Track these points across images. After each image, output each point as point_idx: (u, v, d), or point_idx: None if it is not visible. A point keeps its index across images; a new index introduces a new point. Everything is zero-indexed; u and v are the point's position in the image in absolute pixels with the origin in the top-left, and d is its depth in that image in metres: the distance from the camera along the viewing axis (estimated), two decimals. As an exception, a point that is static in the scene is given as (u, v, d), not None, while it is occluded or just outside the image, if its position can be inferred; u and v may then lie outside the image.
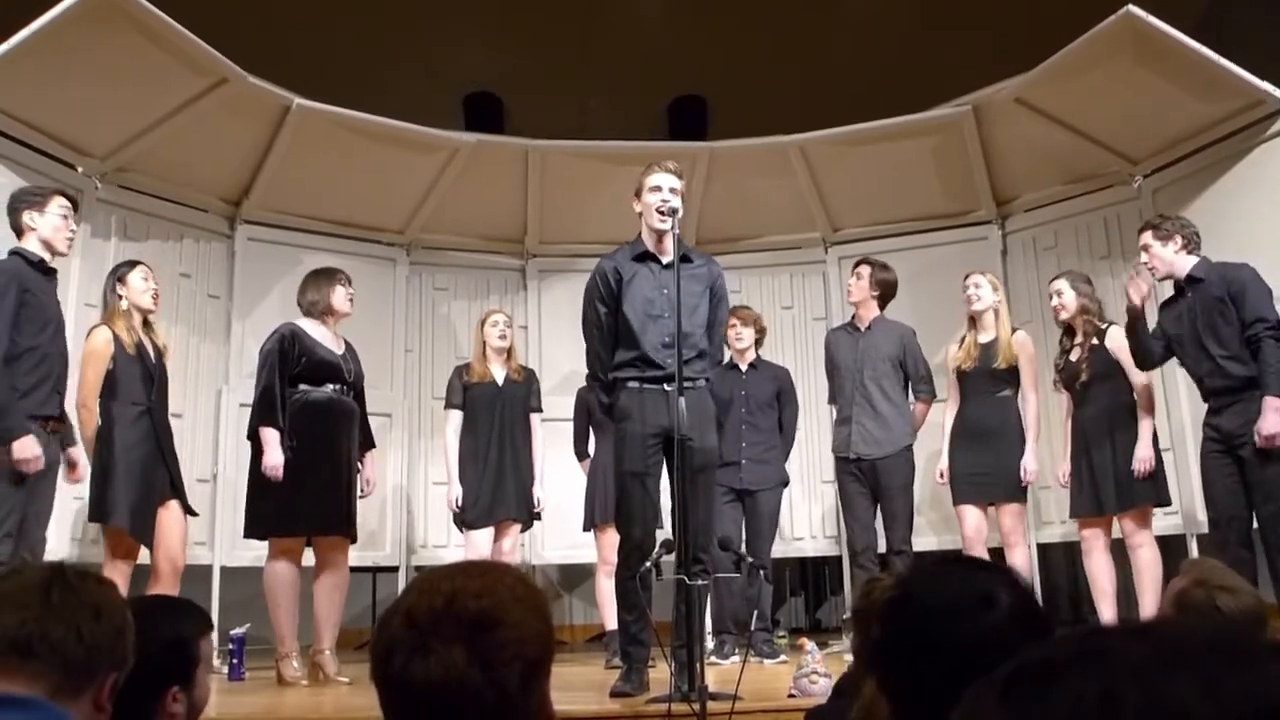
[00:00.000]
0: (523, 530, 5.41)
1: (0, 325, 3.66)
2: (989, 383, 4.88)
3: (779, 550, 5.87)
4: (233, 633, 4.65)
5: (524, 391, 5.34)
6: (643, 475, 3.72)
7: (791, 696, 3.42)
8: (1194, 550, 4.95)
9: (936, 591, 1.23)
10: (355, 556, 5.07)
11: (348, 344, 4.80)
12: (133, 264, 4.46)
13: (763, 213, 6.56)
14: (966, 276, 5.06)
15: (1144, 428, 4.50)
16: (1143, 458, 4.45)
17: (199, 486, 5.26)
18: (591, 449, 5.42)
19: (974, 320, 5.00)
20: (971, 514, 4.85)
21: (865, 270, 5.19)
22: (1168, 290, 4.51)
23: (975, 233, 6.29)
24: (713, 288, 3.92)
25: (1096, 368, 4.60)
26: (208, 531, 5.44)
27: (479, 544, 5.07)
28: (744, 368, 5.36)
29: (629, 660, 3.67)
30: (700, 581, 3.50)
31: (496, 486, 5.14)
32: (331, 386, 4.61)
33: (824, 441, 5.85)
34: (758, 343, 5.44)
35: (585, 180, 6.34)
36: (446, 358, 6.22)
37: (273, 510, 4.45)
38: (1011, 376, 4.88)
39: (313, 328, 4.67)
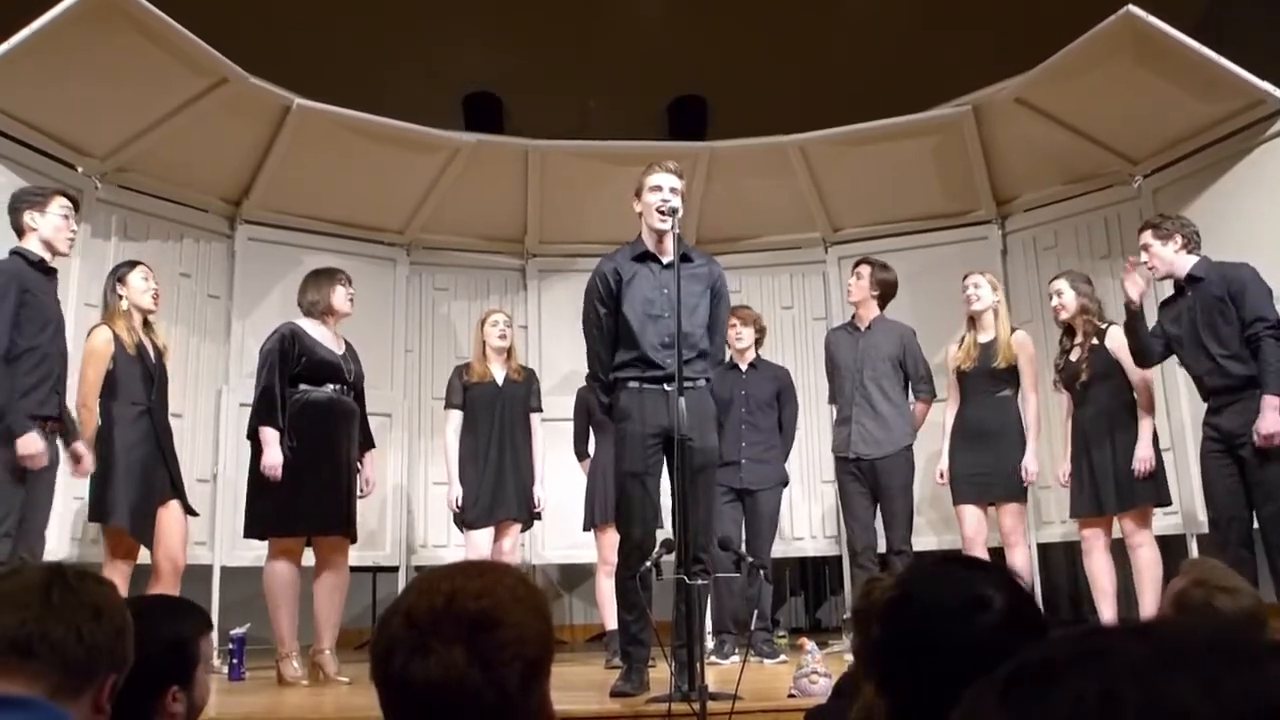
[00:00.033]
0: (523, 530, 5.42)
1: (0, 325, 3.66)
2: (989, 383, 4.88)
3: (779, 550, 5.88)
4: (233, 633, 4.65)
5: (524, 391, 5.34)
6: (643, 475, 3.72)
7: (791, 696, 3.42)
8: (1194, 550, 4.95)
9: (931, 592, 1.23)
10: (355, 556, 5.07)
11: (348, 344, 4.80)
12: (133, 264, 4.47)
13: (763, 213, 6.56)
14: (966, 276, 5.06)
15: (1144, 427, 4.50)
16: (1143, 457, 4.44)
17: (199, 486, 5.26)
18: (591, 449, 5.41)
19: (973, 320, 5.00)
20: (971, 514, 4.85)
21: (865, 270, 5.19)
22: (1168, 289, 4.52)
23: (975, 232, 6.29)
24: (713, 287, 3.92)
25: (1096, 368, 4.60)
26: (208, 531, 5.44)
27: (479, 544, 5.07)
28: (744, 367, 5.36)
29: (629, 660, 3.67)
30: (700, 581, 3.50)
31: (496, 486, 5.13)
32: (332, 386, 4.60)
33: (824, 441, 5.85)
34: (758, 342, 5.44)
35: (585, 180, 6.34)
36: (446, 358, 6.22)
37: (272, 510, 4.45)
38: (1011, 376, 4.88)
39: (313, 328, 4.67)
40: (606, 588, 4.91)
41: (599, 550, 5.27)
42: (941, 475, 4.98)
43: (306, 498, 4.45)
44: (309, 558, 4.61)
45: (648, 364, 3.76)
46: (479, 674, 1.10)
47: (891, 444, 4.94)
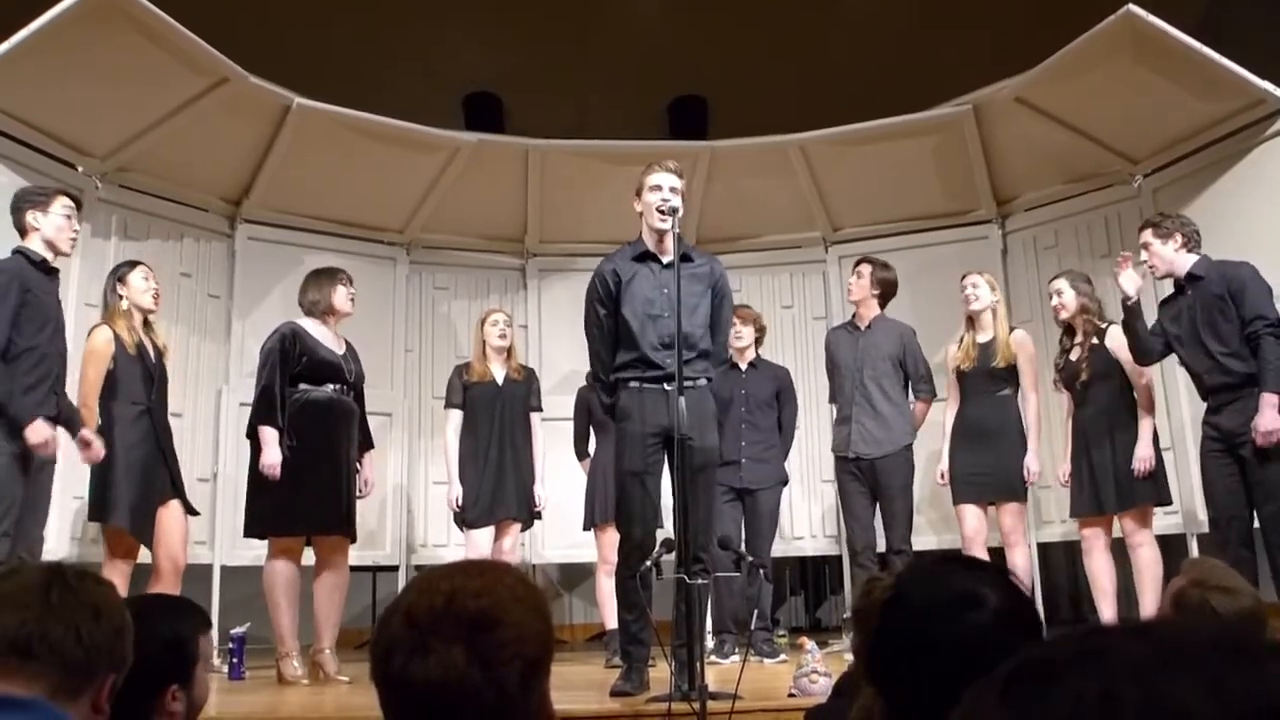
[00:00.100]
0: (523, 530, 5.42)
1: (0, 324, 3.66)
2: (988, 382, 4.87)
3: (779, 549, 5.88)
4: (233, 632, 4.65)
5: (524, 391, 5.34)
6: (643, 475, 3.72)
7: (791, 696, 3.42)
8: (1194, 550, 4.95)
9: (924, 591, 1.23)
10: (355, 556, 5.07)
11: (348, 344, 4.80)
12: (133, 264, 4.47)
13: (763, 212, 6.56)
14: (964, 276, 5.06)
15: (1144, 427, 4.50)
16: (1143, 457, 4.44)
17: (199, 486, 5.26)
18: (592, 448, 5.42)
19: (972, 320, 5.00)
20: (971, 514, 4.85)
21: (866, 269, 5.19)
22: (1167, 288, 4.52)
23: (975, 232, 6.29)
24: (714, 286, 3.92)
25: (1096, 367, 4.60)
26: (208, 531, 5.44)
27: (479, 543, 5.07)
28: (744, 367, 5.36)
29: (629, 659, 3.67)
30: (700, 581, 3.50)
31: (497, 486, 5.13)
32: (332, 386, 4.61)
33: (824, 441, 5.85)
34: (758, 342, 5.44)
35: (585, 180, 6.34)
36: (446, 357, 6.22)
37: (272, 509, 4.45)
38: (1011, 376, 4.88)
39: (314, 327, 4.68)
40: (606, 587, 4.91)
41: (599, 550, 5.27)
42: (942, 476, 4.97)
43: (306, 497, 4.45)
44: (309, 557, 4.61)
45: (648, 364, 3.76)
46: (479, 673, 1.10)
47: (891, 443, 4.94)
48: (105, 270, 4.58)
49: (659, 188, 3.80)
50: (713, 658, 4.92)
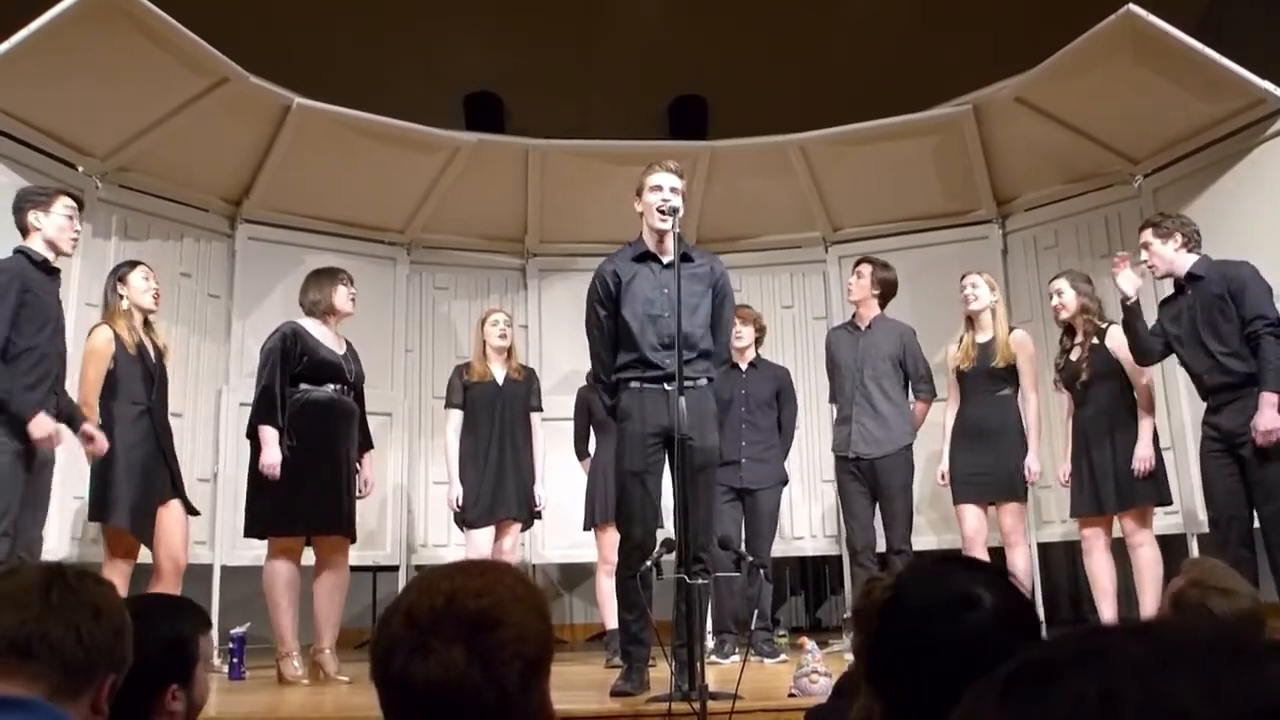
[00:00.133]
0: (523, 530, 5.42)
1: (0, 323, 3.66)
2: (988, 382, 4.87)
3: (779, 549, 5.88)
4: (233, 632, 4.65)
5: (524, 391, 5.34)
6: (643, 475, 3.72)
7: (792, 696, 3.42)
8: (1194, 550, 4.95)
9: (923, 592, 1.23)
10: (355, 556, 5.07)
11: (349, 344, 4.80)
12: (133, 264, 4.47)
13: (763, 212, 6.56)
14: (963, 277, 5.06)
15: (1144, 427, 4.50)
16: (1143, 457, 4.44)
17: (199, 486, 5.26)
18: (592, 448, 5.42)
19: (971, 320, 5.00)
20: (971, 514, 4.85)
21: (866, 269, 5.19)
22: (1167, 288, 4.52)
23: (975, 232, 6.29)
24: (715, 286, 3.92)
25: (1096, 367, 4.60)
26: (208, 531, 5.44)
27: (479, 543, 5.07)
28: (744, 367, 5.36)
29: (629, 659, 3.67)
30: (700, 581, 3.50)
31: (497, 486, 5.13)
32: (332, 386, 4.61)
33: (824, 440, 5.85)
34: (758, 342, 5.44)
35: (585, 180, 6.34)
36: (447, 357, 6.22)
37: (272, 509, 4.45)
38: (1010, 376, 4.88)
39: (314, 327, 4.68)
40: (607, 587, 4.91)
41: (599, 550, 5.27)
42: (943, 477, 4.97)
43: (306, 497, 4.45)
44: (309, 557, 4.61)
45: (648, 364, 3.76)
46: (479, 673, 1.10)
47: (891, 443, 4.94)
48: (105, 270, 4.58)
49: (659, 188, 3.81)
50: (713, 658, 4.92)
